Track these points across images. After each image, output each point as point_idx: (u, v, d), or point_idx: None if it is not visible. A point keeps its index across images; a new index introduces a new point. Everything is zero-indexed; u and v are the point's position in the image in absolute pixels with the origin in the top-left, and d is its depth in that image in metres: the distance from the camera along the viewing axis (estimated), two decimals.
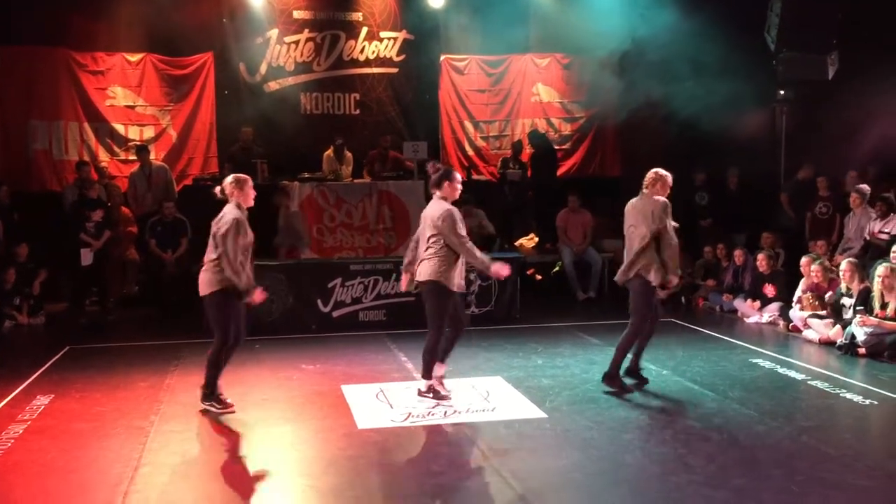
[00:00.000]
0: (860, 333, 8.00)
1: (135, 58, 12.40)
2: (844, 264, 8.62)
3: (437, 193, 6.54)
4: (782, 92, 12.45)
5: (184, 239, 10.91)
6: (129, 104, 12.47)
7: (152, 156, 12.19)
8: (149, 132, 12.55)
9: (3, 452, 5.49)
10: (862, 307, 8.12)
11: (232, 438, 5.81)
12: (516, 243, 12.27)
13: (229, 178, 6.30)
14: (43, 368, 7.78)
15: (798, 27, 11.07)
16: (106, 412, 6.39)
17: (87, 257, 10.30)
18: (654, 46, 10.83)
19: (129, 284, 11.49)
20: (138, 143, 12.18)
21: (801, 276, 9.42)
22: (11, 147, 11.97)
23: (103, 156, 12.31)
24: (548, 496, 4.84)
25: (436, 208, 6.44)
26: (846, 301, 8.49)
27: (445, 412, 6.28)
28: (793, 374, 7.46)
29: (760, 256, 10.09)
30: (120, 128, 12.44)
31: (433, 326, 6.48)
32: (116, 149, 12.44)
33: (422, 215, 6.64)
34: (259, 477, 5.18)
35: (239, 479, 5.14)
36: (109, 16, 12.14)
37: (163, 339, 9.11)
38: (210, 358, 6.29)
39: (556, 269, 12.12)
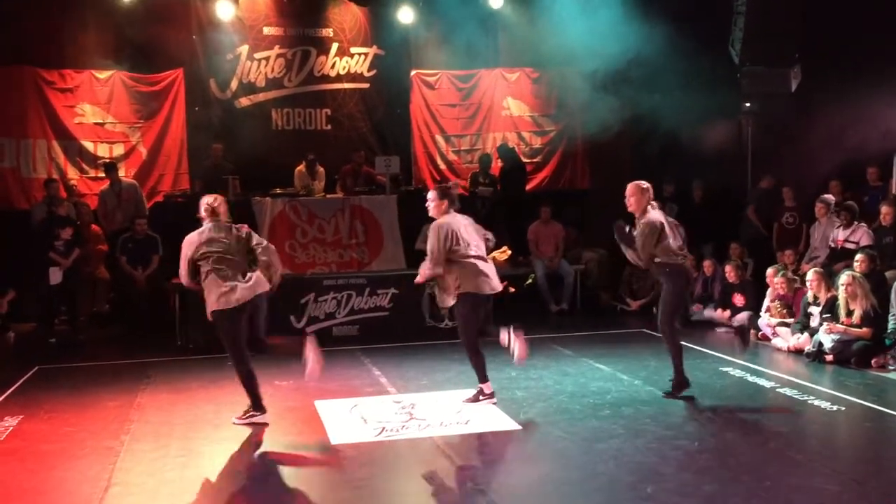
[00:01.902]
0: (827, 341, 8.13)
1: (103, 75, 12.30)
2: (811, 274, 8.77)
3: (453, 208, 6.73)
4: (748, 104, 12.66)
5: (155, 256, 10.83)
6: (99, 121, 12.36)
7: (122, 173, 12.09)
8: (118, 149, 12.44)
9: None
10: (829, 315, 8.25)
11: (204, 457, 5.77)
12: (489, 257, 12.30)
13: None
14: (11, 389, 7.67)
15: (761, 41, 11.29)
16: (75, 432, 6.32)
17: (55, 276, 10.18)
18: (620, 61, 10.97)
19: (99, 303, 11.37)
20: (107, 160, 12.08)
21: (769, 285, 9.57)
22: None
23: (72, 173, 12.18)
24: None
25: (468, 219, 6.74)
26: (813, 310, 8.63)
27: (419, 426, 6.29)
28: (762, 381, 7.56)
29: (729, 267, 10.23)
30: (89, 145, 12.32)
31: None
32: (86, 166, 12.30)
33: (462, 226, 6.71)
34: (232, 495, 5.15)
35: (211, 497, 5.10)
36: (77, 33, 12.06)
37: (133, 357, 9.03)
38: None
39: (529, 281, 12.18)
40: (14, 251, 10.92)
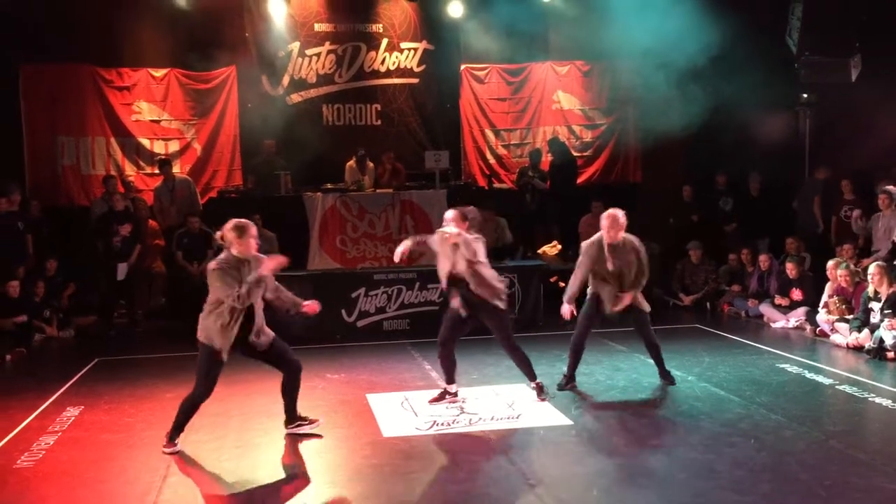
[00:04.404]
0: (889, 337, 7.91)
1: (159, 73, 12.56)
2: (873, 268, 8.52)
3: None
4: (805, 95, 12.36)
5: (210, 251, 11.00)
6: (155, 119, 12.63)
7: (177, 169, 12.33)
8: (174, 146, 12.69)
9: (34, 463, 5.58)
10: (890, 311, 8.02)
11: (259, 447, 5.85)
12: (539, 251, 12.26)
13: (229, 225, 5.73)
14: (72, 380, 7.89)
15: (820, 30, 10.99)
16: (134, 423, 6.48)
17: (122, 272, 10.40)
18: (674, 52, 10.79)
19: (156, 297, 11.62)
20: (163, 157, 12.32)
21: (827, 279, 9.34)
22: (40, 163, 12.16)
23: (130, 170, 12.46)
24: (573, 502, 4.83)
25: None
26: (874, 305, 8.40)
27: (470, 420, 6.29)
28: (820, 378, 7.38)
29: (790, 265, 9.99)
30: (146, 142, 12.59)
31: None
32: (142, 163, 12.59)
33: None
34: (286, 485, 5.22)
35: (266, 487, 5.17)
36: (133, 32, 12.33)
37: (189, 350, 9.10)
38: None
39: None
40: (74, 246, 11.21)
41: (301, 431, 6.06)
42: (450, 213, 6.65)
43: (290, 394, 6.07)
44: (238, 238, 5.65)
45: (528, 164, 12.80)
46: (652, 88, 11.86)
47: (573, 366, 7.17)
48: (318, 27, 13.01)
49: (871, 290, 8.46)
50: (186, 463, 5.52)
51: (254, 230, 5.74)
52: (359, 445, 5.82)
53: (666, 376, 7.20)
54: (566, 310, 7.03)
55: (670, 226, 12.49)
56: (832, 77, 11.36)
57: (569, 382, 7.13)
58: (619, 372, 7.71)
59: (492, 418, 6.31)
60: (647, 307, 7.12)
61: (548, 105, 13.66)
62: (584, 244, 7.07)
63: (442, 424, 6.19)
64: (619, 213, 6.98)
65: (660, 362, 7.24)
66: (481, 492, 5.02)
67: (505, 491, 5.01)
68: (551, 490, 4.90)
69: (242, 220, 5.76)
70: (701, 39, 10.39)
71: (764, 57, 11.15)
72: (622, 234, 6.96)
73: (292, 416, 6.11)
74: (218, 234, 5.80)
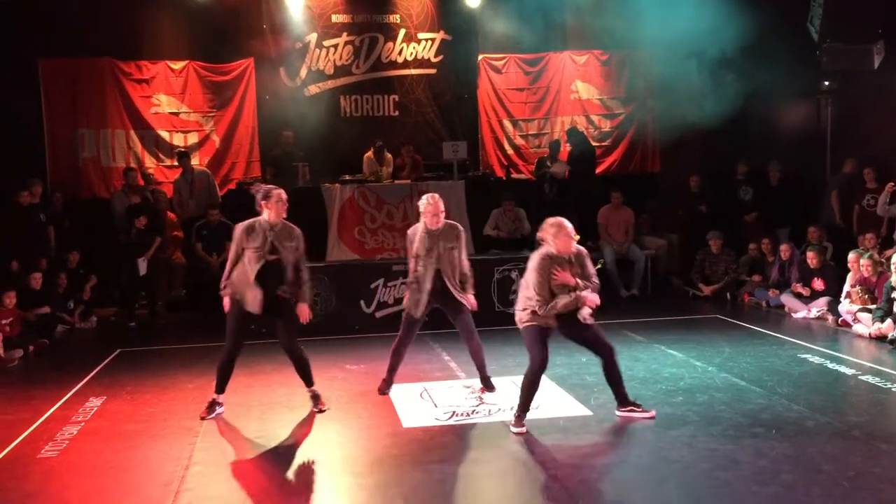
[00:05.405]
0: None
1: (178, 65, 12.61)
2: None
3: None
4: (827, 83, 12.21)
5: (228, 243, 11.03)
6: (174, 111, 12.68)
7: (196, 161, 12.39)
8: (193, 138, 12.75)
9: (57, 453, 5.65)
10: None
11: (280, 438, 5.89)
12: None
13: (548, 222, 5.94)
14: (95, 371, 7.97)
15: (842, 17, 10.85)
16: (156, 413, 6.53)
17: (143, 267, 10.47)
18: (693, 40, 10.70)
19: (176, 288, 11.69)
20: (182, 149, 12.38)
21: (848, 269, 9.26)
22: (61, 156, 12.25)
23: (149, 162, 12.53)
24: (594, 493, 4.82)
25: None
26: None
27: (489, 410, 6.30)
28: (843, 369, 7.32)
29: (811, 254, 9.91)
30: (165, 134, 12.66)
31: None
32: (162, 155, 12.66)
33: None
34: (307, 475, 5.24)
35: (286, 478, 5.20)
36: (152, 25, 12.40)
37: (209, 341, 9.22)
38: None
39: (598, 266, 12.00)
40: (95, 238, 11.30)
41: (635, 416, 5.99)
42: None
43: (612, 378, 6.08)
44: (554, 236, 5.84)
45: (548, 155, 12.75)
46: (671, 77, 11.77)
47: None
48: (335, 18, 13.01)
49: (894, 279, 8.37)
50: (208, 453, 5.56)
51: (567, 229, 5.89)
52: (379, 436, 5.84)
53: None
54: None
55: (680, 216, 12.44)
56: (854, 64, 11.20)
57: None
58: (639, 362, 7.69)
59: (511, 409, 6.29)
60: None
61: (566, 95, 13.60)
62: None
63: (461, 415, 6.20)
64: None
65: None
66: (501, 481, 5.02)
67: (525, 481, 5.02)
68: (572, 480, 4.89)
69: (559, 218, 5.95)
70: (721, 28, 10.28)
71: (785, 44, 11.02)
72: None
73: (623, 401, 6.09)
74: (540, 233, 5.98)
